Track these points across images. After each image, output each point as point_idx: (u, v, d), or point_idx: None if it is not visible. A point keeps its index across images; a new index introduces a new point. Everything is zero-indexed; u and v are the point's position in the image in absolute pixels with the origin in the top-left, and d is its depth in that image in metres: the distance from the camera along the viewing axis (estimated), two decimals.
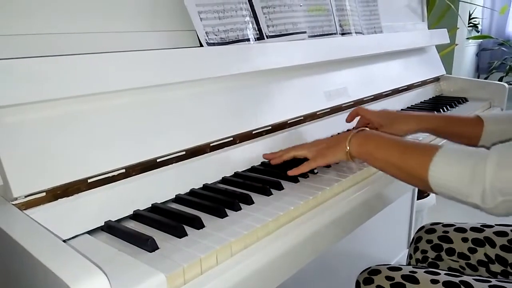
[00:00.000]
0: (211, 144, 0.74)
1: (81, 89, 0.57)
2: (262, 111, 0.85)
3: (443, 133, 0.91)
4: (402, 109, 1.28)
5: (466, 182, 0.58)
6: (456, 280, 0.70)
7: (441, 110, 1.25)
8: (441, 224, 0.95)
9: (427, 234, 0.95)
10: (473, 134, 0.86)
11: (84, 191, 0.57)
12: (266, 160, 0.82)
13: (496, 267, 0.85)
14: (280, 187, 0.69)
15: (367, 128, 0.74)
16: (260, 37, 0.89)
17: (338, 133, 0.84)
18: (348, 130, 0.89)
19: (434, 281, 0.70)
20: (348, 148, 0.72)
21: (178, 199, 0.66)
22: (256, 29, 0.88)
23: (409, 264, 0.97)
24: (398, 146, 0.67)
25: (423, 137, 0.96)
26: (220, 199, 0.64)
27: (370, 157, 0.71)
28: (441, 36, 1.57)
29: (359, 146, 0.71)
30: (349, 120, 0.95)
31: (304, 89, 0.96)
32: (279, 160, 0.78)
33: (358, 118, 0.95)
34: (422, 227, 0.98)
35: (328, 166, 0.79)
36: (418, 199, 1.83)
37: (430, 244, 0.93)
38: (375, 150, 0.69)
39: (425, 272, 0.73)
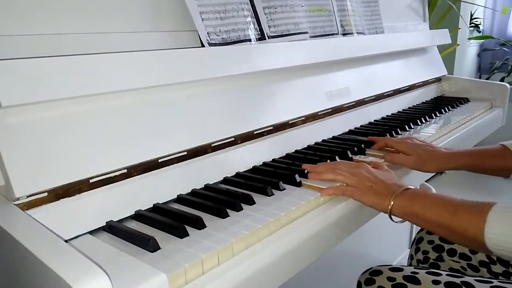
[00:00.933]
0: (212, 145, 0.75)
1: (83, 89, 0.57)
2: (264, 112, 0.85)
3: (476, 169, 0.89)
4: (404, 110, 1.28)
5: None
6: (458, 280, 0.70)
7: (442, 110, 1.25)
8: None
9: (428, 234, 0.95)
10: (504, 166, 0.85)
11: (86, 191, 0.58)
12: (267, 160, 0.82)
13: (497, 268, 0.85)
14: (281, 188, 0.69)
15: (412, 187, 0.70)
16: (261, 37, 0.89)
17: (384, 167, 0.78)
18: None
19: (436, 282, 0.70)
20: (391, 204, 0.67)
21: (179, 199, 0.66)
22: (258, 29, 0.89)
23: (410, 264, 0.97)
24: (447, 206, 0.63)
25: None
26: (222, 199, 0.64)
27: (415, 218, 0.67)
28: (443, 36, 1.57)
29: (404, 207, 0.67)
30: (376, 148, 0.92)
31: (305, 90, 0.96)
32: (318, 177, 0.74)
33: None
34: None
35: None
36: None
37: (431, 244, 0.93)
38: (421, 211, 0.65)
39: (426, 272, 0.73)
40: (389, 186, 0.71)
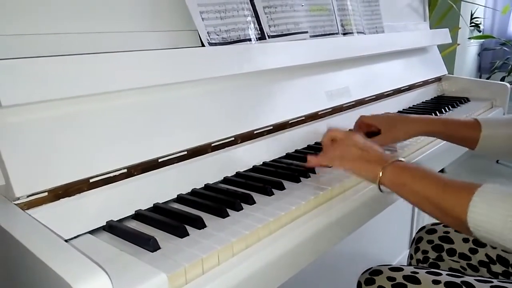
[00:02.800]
0: (212, 144, 0.75)
1: (83, 89, 0.57)
2: (264, 111, 0.85)
3: (443, 136, 0.91)
4: (404, 109, 1.28)
5: (510, 226, 0.52)
6: (458, 280, 0.70)
7: (443, 110, 1.25)
8: (442, 225, 0.95)
9: (428, 234, 0.95)
10: (472, 137, 0.86)
11: (86, 191, 0.58)
12: (267, 160, 0.82)
13: (497, 268, 0.85)
14: (281, 187, 0.69)
15: (404, 159, 0.69)
16: (261, 37, 0.89)
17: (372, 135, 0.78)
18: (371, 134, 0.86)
19: (436, 282, 0.70)
20: (381, 174, 0.66)
21: (179, 199, 0.67)
22: (258, 29, 0.88)
23: (410, 264, 0.97)
24: (437, 182, 0.62)
25: (421, 140, 0.96)
26: (222, 199, 0.64)
27: (404, 189, 0.65)
28: (443, 36, 1.57)
29: (394, 176, 0.66)
30: (356, 130, 0.92)
31: (305, 89, 0.96)
32: (317, 166, 0.74)
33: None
34: (423, 227, 0.98)
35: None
36: None
37: (431, 244, 0.93)
38: (411, 182, 0.64)
39: (426, 272, 0.73)
40: (381, 155, 0.69)
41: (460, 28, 2.58)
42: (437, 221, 0.97)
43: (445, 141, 0.96)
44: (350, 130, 0.94)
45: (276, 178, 0.71)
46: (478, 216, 0.55)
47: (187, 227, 0.55)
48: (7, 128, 0.52)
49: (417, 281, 0.72)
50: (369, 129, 0.91)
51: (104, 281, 0.38)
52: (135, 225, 0.59)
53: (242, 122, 0.80)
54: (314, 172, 0.76)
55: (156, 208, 0.63)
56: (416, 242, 0.97)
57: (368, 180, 0.70)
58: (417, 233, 0.99)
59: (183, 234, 0.54)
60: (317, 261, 0.64)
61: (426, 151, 0.95)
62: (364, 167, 0.69)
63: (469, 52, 3.33)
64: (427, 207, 0.63)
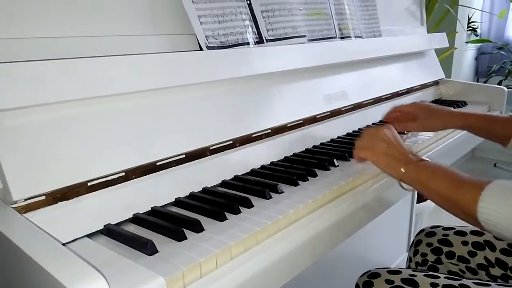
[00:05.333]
0: (210, 148, 0.75)
1: (81, 92, 0.58)
2: (262, 115, 0.85)
3: (478, 131, 0.92)
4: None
5: None
6: (456, 283, 0.70)
7: None
8: (441, 227, 0.95)
9: (427, 237, 0.95)
10: (505, 134, 0.87)
11: (83, 194, 0.57)
12: (265, 163, 0.82)
13: (496, 271, 0.85)
14: (279, 191, 0.69)
15: (428, 159, 0.72)
16: (259, 41, 0.89)
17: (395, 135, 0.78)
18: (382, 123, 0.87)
19: (434, 285, 0.70)
20: (403, 171, 0.70)
21: (177, 202, 0.66)
22: (256, 33, 0.89)
23: (408, 267, 0.97)
24: (452, 180, 0.65)
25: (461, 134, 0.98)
26: (220, 202, 0.64)
27: (423, 187, 0.69)
28: (440, 40, 1.57)
29: (414, 174, 0.69)
30: (386, 118, 0.96)
31: (303, 93, 0.97)
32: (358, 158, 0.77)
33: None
34: (422, 230, 0.98)
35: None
36: (417, 202, 1.83)
37: (430, 247, 0.93)
38: (428, 180, 0.68)
39: (424, 275, 0.73)
40: (406, 153, 0.72)
41: (457, 32, 2.59)
42: (436, 224, 0.98)
43: (453, 138, 0.97)
44: (382, 121, 0.97)
45: (274, 182, 0.71)
46: (486, 211, 0.58)
47: (185, 231, 0.55)
48: (5, 132, 0.52)
49: (415, 284, 0.72)
50: (404, 118, 0.92)
51: (102, 284, 0.38)
52: (133, 228, 0.59)
53: (240, 126, 0.80)
54: (312, 176, 0.76)
55: (154, 211, 0.63)
56: (415, 244, 0.97)
57: (390, 175, 0.72)
58: (416, 235, 0.99)
59: (181, 237, 0.54)
60: (316, 264, 0.64)
61: (435, 147, 0.98)
62: (388, 163, 0.71)
63: (466, 56, 3.34)
64: (445, 204, 0.66)
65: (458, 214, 0.65)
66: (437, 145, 1.01)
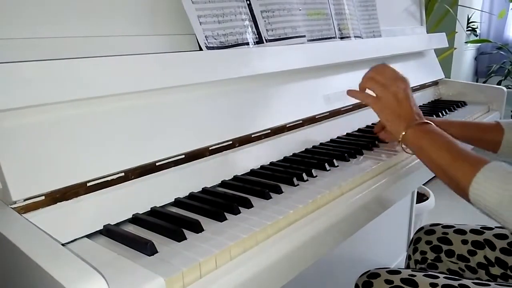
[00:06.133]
0: (210, 148, 0.75)
1: (80, 92, 0.57)
2: (261, 115, 0.85)
3: (462, 139, 0.90)
4: None
5: (505, 207, 0.56)
6: (455, 283, 0.70)
7: (439, 114, 1.25)
8: (440, 225, 0.95)
9: (426, 235, 0.95)
10: (493, 140, 0.87)
11: (83, 194, 0.57)
12: (264, 164, 0.82)
13: (496, 270, 0.85)
14: (279, 191, 0.69)
15: (432, 123, 0.72)
16: (259, 41, 0.89)
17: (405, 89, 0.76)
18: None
19: (433, 285, 0.70)
20: (403, 133, 0.70)
21: (177, 202, 0.66)
22: (256, 33, 0.89)
23: (408, 265, 0.97)
24: (451, 151, 0.65)
25: None
26: (219, 202, 0.64)
27: (421, 152, 0.69)
28: (440, 40, 1.57)
29: (414, 138, 0.69)
30: (377, 131, 0.95)
31: (303, 93, 0.97)
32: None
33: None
34: (421, 228, 0.98)
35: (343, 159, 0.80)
36: (417, 202, 1.83)
37: (429, 245, 0.93)
38: (428, 147, 0.68)
39: (424, 275, 0.73)
40: (411, 114, 0.71)
41: (456, 32, 2.59)
42: (436, 222, 0.98)
43: None
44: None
45: (274, 182, 0.71)
46: (479, 192, 0.59)
47: (185, 231, 0.55)
48: (4, 132, 0.52)
49: (414, 284, 0.72)
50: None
51: (101, 285, 0.38)
52: (132, 229, 0.59)
53: (240, 126, 0.80)
54: (312, 176, 0.76)
55: (153, 212, 0.63)
56: (414, 242, 0.97)
57: (391, 132, 0.72)
58: (415, 233, 0.99)
59: (180, 238, 0.54)
60: (315, 265, 0.64)
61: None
62: (391, 119, 0.71)
63: (465, 56, 3.35)
64: (440, 174, 0.67)
65: (451, 186, 0.65)
66: None
